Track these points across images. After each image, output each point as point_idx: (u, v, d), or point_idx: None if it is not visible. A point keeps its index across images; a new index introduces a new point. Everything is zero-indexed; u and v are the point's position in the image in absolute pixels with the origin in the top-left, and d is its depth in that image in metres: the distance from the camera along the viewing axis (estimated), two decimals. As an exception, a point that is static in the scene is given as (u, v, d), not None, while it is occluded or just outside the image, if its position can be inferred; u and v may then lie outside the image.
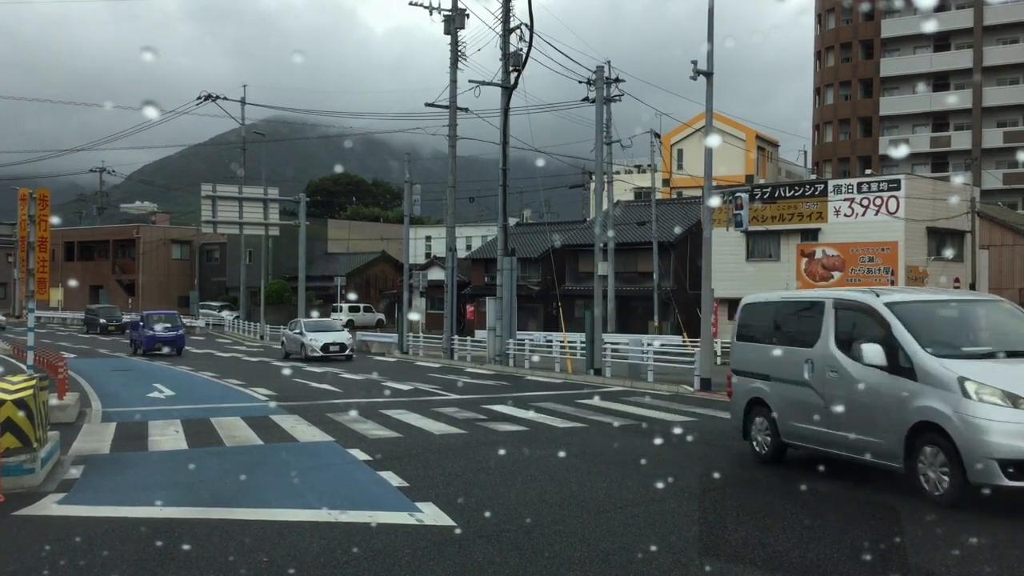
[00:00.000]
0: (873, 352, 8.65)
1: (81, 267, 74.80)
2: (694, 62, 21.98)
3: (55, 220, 17.74)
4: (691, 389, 20.64)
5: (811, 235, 38.48)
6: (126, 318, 50.58)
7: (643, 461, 11.01)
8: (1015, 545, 7.30)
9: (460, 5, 31.96)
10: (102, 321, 53.64)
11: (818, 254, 38.13)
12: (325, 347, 32.26)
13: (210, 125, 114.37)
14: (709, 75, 21.50)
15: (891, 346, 8.59)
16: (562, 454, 11.50)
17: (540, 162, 36.41)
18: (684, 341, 34.04)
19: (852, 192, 37.45)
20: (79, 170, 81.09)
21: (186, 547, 7.11)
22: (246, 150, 54.87)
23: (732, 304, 40.50)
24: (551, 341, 30.81)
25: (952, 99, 64.20)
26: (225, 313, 59.62)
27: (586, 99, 33.75)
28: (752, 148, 67.05)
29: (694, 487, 9.46)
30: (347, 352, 32.86)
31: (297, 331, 33.80)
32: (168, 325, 36.26)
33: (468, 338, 36.36)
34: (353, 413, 15.71)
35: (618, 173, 46.73)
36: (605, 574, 6.44)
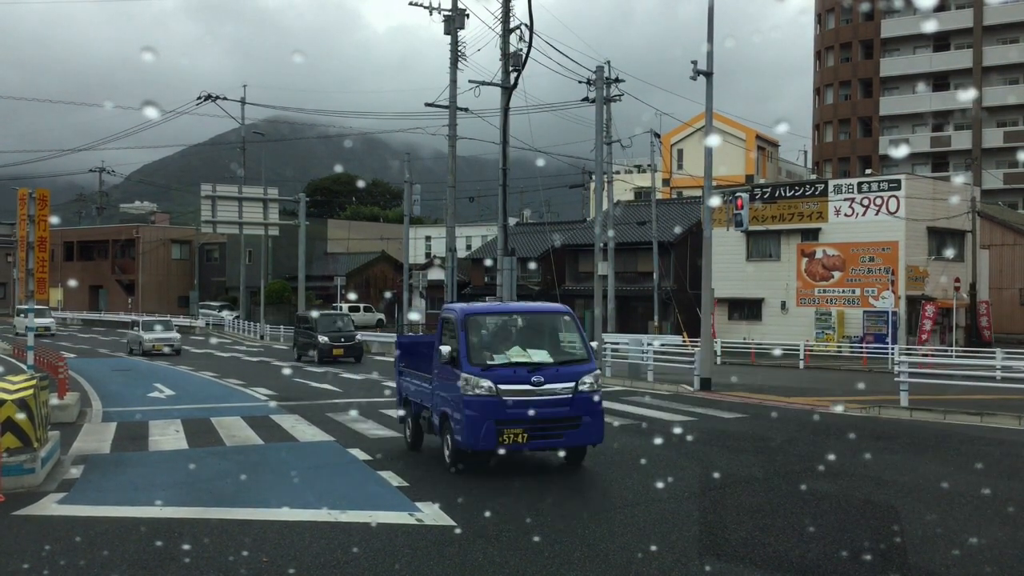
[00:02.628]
0: None
1: (81, 267, 74.77)
2: (694, 62, 22.00)
3: (54, 220, 17.72)
4: (691, 389, 20.63)
5: (811, 235, 38.48)
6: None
7: (643, 461, 11.01)
8: (1015, 545, 7.30)
9: (460, 5, 31.88)
10: (322, 340, 30.46)
11: (818, 254, 38.12)
12: None
13: (210, 125, 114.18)
14: (709, 75, 21.50)
15: None
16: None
17: (540, 162, 36.40)
18: (684, 341, 34.05)
19: (852, 192, 37.46)
20: (79, 170, 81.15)
21: (186, 547, 7.11)
22: (246, 150, 54.87)
23: (732, 304, 40.72)
24: (551, 341, 30.69)
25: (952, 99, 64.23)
26: (225, 313, 59.58)
27: (586, 99, 33.72)
28: (752, 148, 67.05)
29: (694, 487, 9.46)
30: None
31: None
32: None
33: (468, 338, 36.24)
34: (353, 413, 15.71)
35: (618, 173, 46.69)
36: (605, 574, 6.44)
